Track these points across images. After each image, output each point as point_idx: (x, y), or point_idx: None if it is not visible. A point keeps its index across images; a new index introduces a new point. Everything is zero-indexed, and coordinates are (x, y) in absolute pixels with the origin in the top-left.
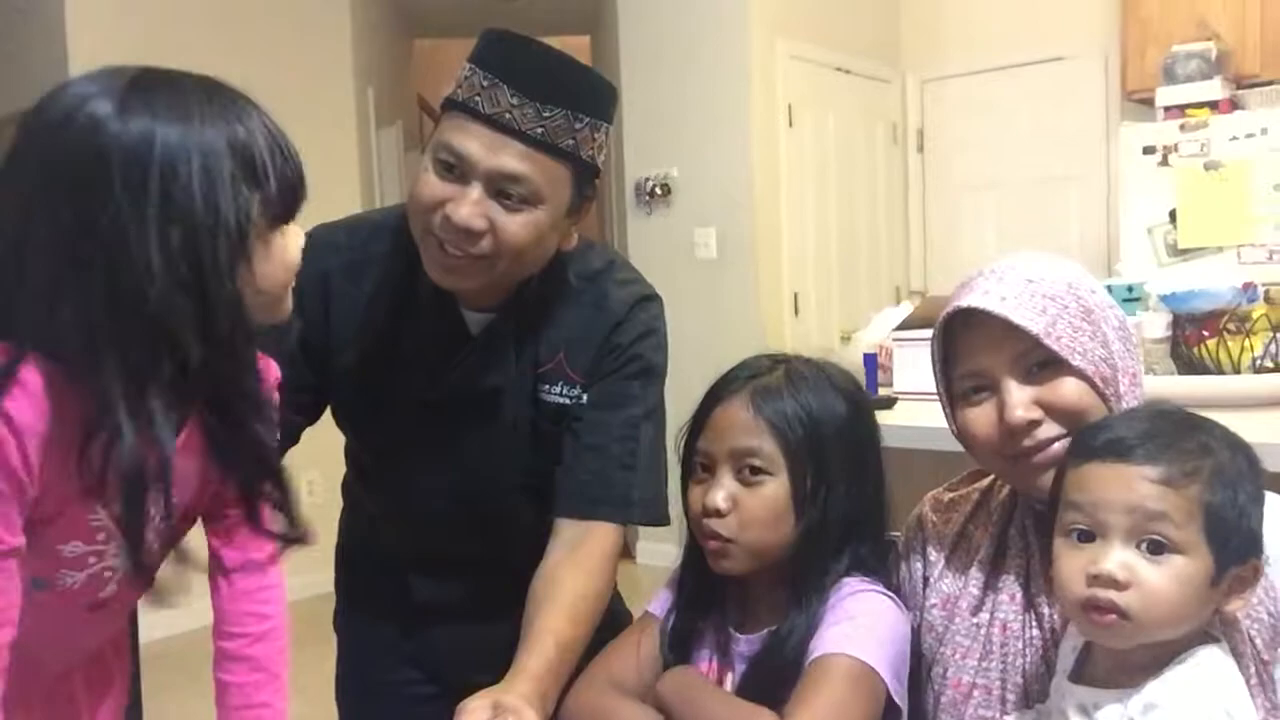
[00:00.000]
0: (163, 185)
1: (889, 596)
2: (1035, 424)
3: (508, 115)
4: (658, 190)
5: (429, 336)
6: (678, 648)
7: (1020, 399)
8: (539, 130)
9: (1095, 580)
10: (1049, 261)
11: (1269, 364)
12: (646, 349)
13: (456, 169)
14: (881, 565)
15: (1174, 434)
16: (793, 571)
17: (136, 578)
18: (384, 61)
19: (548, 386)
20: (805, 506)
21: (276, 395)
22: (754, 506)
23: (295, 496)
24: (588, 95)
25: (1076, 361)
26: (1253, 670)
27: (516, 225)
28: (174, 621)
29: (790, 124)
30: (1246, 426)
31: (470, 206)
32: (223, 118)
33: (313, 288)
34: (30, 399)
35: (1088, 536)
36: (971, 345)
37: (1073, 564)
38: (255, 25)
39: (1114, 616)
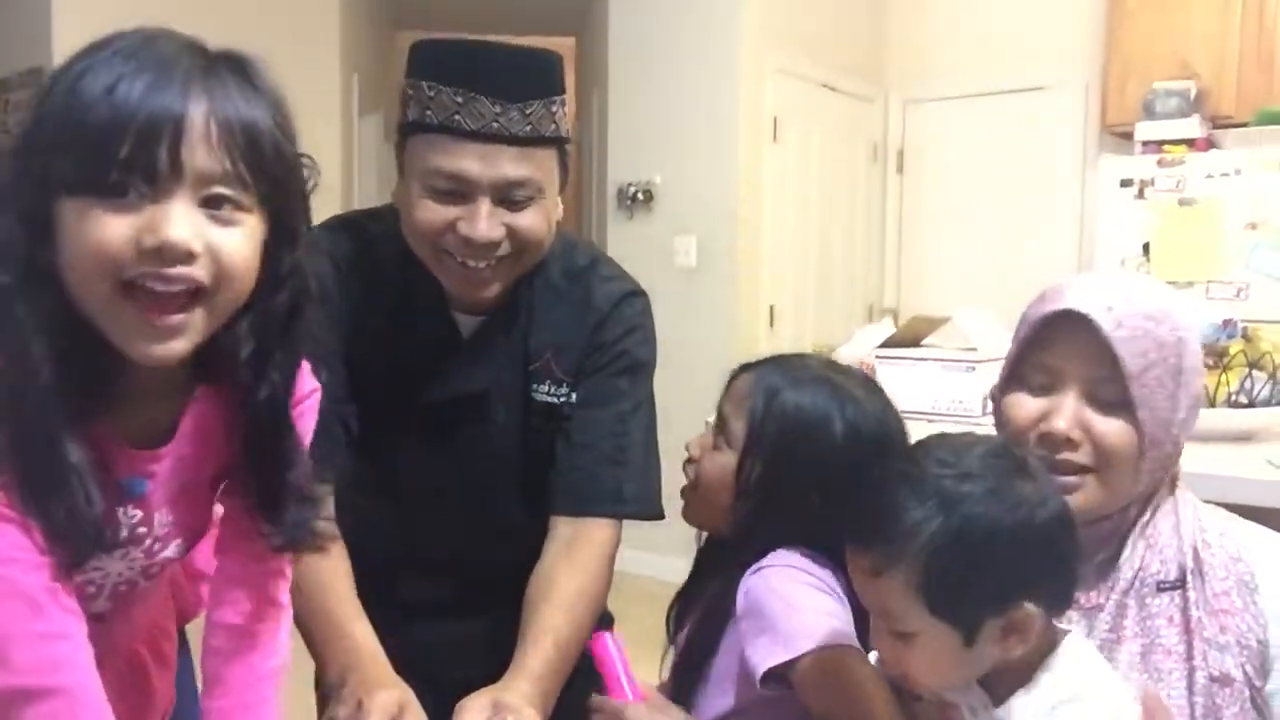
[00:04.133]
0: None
1: (786, 566)
2: (1072, 445)
3: (495, 124)
4: (640, 196)
5: (421, 340)
6: (672, 610)
7: (1073, 415)
8: (526, 129)
9: (880, 658)
10: (1175, 304)
11: (1243, 399)
12: (632, 344)
13: (456, 190)
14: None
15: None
16: (736, 542)
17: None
18: (369, 51)
19: (536, 385)
20: (745, 487)
21: (307, 404)
22: (707, 469)
23: (313, 508)
24: (551, 77)
25: (1144, 414)
26: (1247, 695)
27: (529, 220)
28: None
29: (774, 137)
30: (1218, 460)
31: (485, 221)
32: (90, 67)
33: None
34: None
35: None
36: (1062, 343)
37: (871, 639)
38: (244, 13)
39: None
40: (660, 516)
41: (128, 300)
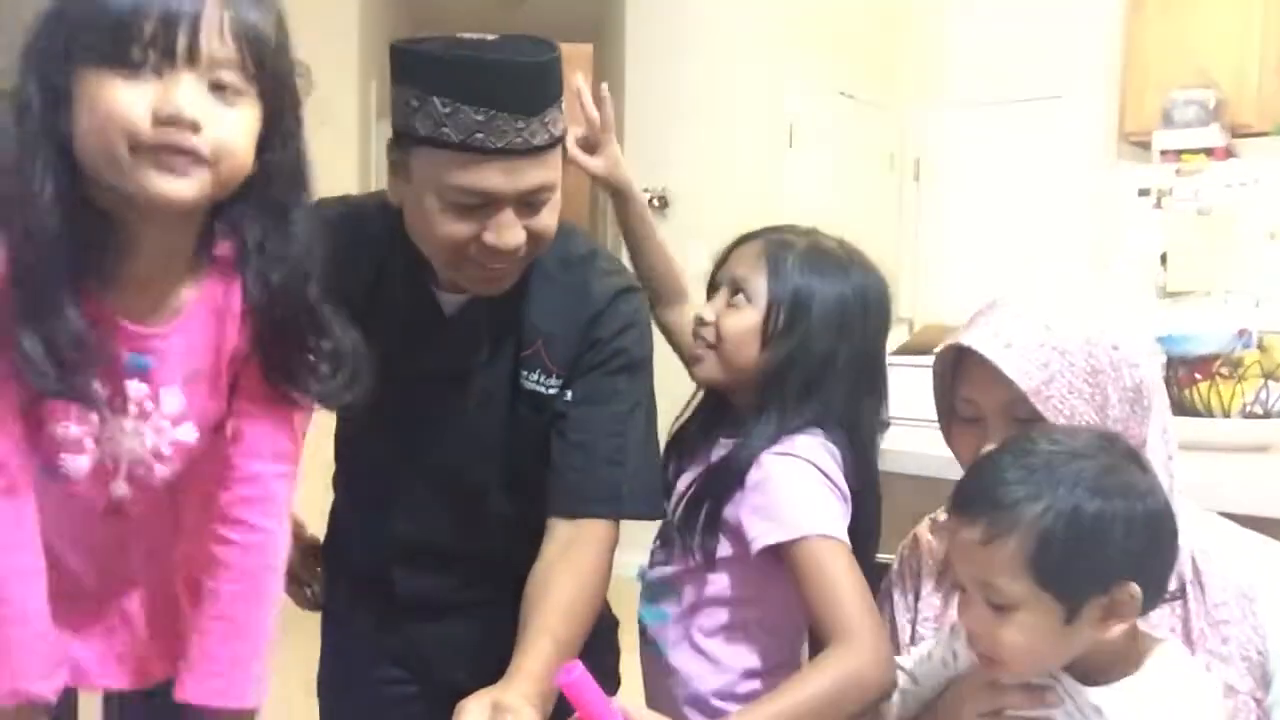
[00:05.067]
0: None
1: (807, 462)
2: None
3: (518, 140)
4: (655, 201)
5: (400, 316)
6: (678, 450)
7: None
8: (545, 137)
9: (969, 633)
10: (1076, 307)
11: (1258, 410)
12: (629, 342)
13: (479, 204)
14: (844, 435)
15: (1003, 481)
16: (759, 398)
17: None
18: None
19: (526, 373)
20: (771, 341)
21: None
22: (730, 326)
23: (344, 355)
24: (560, 78)
25: (1060, 425)
26: (1253, 707)
27: (546, 219)
28: None
29: (791, 144)
30: (1233, 471)
31: (510, 230)
32: None
33: None
34: None
35: (959, 587)
36: (974, 375)
37: (959, 612)
38: None
39: (993, 660)
40: (660, 516)
41: (141, 158)
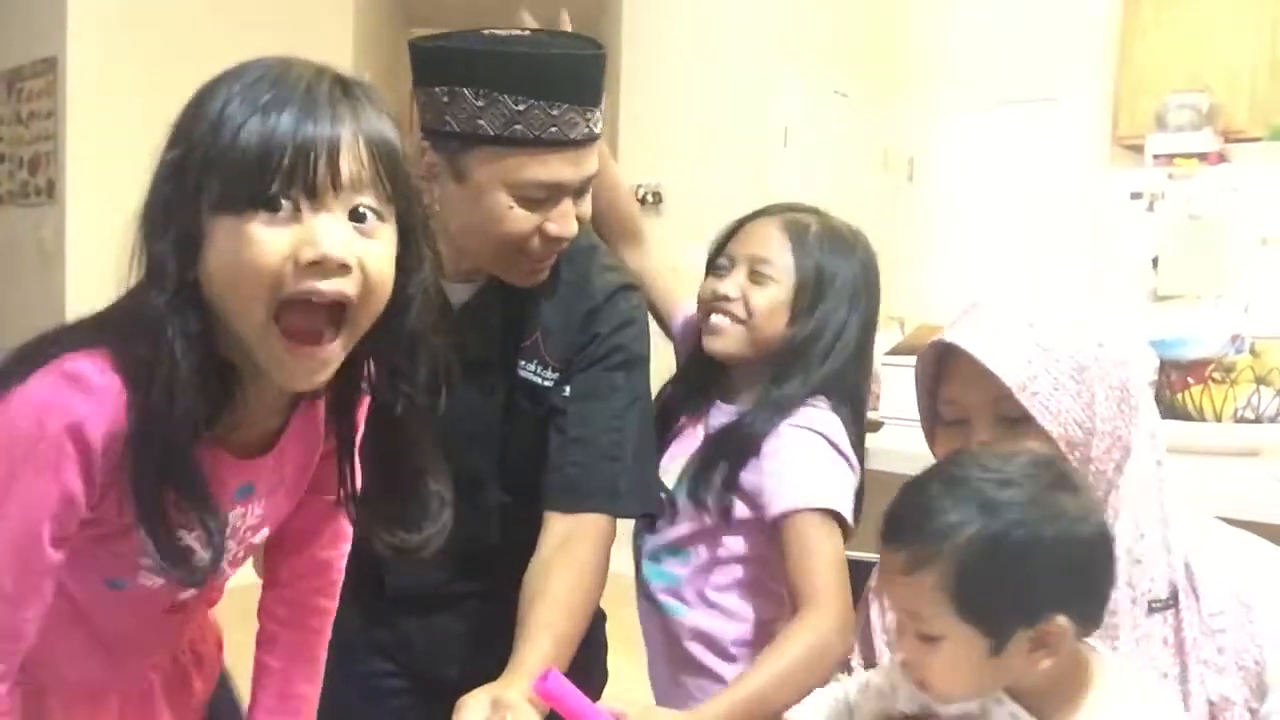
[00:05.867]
0: (191, 134)
1: (821, 435)
2: None
3: (585, 130)
4: (649, 199)
5: None
6: (665, 413)
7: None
8: (600, 127)
9: (902, 661)
10: (1061, 305)
11: (1249, 415)
12: (628, 339)
13: (548, 196)
14: (846, 404)
15: (929, 510)
16: (775, 369)
17: (212, 580)
18: (382, 52)
19: (523, 363)
20: (799, 316)
21: None
22: (758, 301)
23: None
24: (605, 72)
25: (1045, 422)
26: (1248, 718)
27: (587, 205)
28: None
29: (785, 143)
30: (1225, 476)
31: (570, 219)
32: (236, 93)
33: None
34: (101, 405)
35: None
36: (958, 374)
37: (895, 639)
38: (256, 13)
39: (926, 687)
40: (655, 514)
41: (279, 328)
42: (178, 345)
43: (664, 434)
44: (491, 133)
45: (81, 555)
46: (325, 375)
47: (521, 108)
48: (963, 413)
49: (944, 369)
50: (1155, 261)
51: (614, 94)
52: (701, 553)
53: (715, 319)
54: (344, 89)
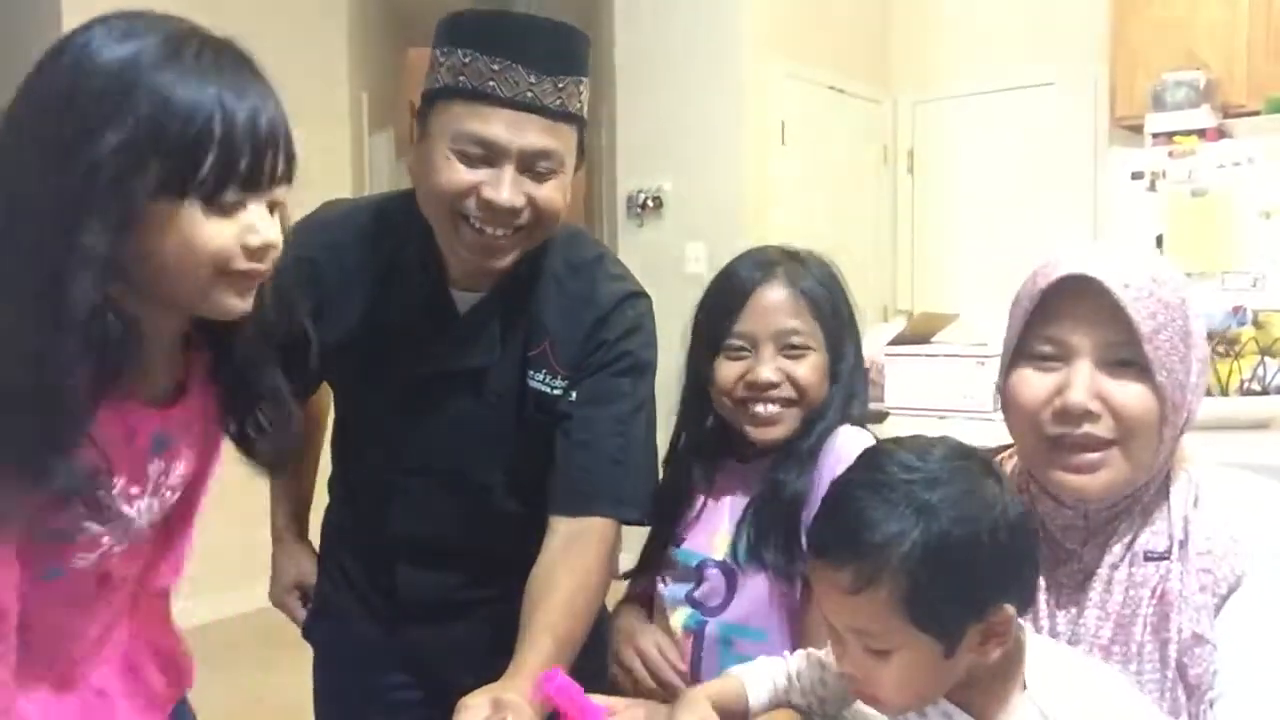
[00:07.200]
0: (85, 109)
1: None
2: (1092, 417)
3: (529, 94)
4: (649, 203)
5: (416, 314)
6: (675, 490)
7: (1090, 386)
8: (556, 102)
9: (847, 677)
10: (1173, 271)
11: (1255, 387)
12: (634, 345)
13: (483, 154)
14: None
15: (865, 522)
16: (804, 426)
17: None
18: (378, 67)
19: (532, 372)
20: (836, 371)
21: None
22: (804, 376)
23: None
24: (584, 56)
25: (1161, 377)
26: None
27: (549, 191)
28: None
29: (783, 141)
30: (1232, 447)
31: (510, 188)
32: (194, 74)
33: (300, 272)
34: None
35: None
36: (1068, 312)
37: (835, 658)
38: (253, 28)
39: (872, 699)
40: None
41: (221, 281)
42: (80, 301)
43: (678, 510)
44: (441, 84)
45: (20, 553)
46: (249, 306)
47: (467, 59)
48: (1063, 351)
49: (1048, 306)
50: (1160, 240)
51: (610, 99)
52: (782, 622)
53: (762, 409)
54: (253, 71)
